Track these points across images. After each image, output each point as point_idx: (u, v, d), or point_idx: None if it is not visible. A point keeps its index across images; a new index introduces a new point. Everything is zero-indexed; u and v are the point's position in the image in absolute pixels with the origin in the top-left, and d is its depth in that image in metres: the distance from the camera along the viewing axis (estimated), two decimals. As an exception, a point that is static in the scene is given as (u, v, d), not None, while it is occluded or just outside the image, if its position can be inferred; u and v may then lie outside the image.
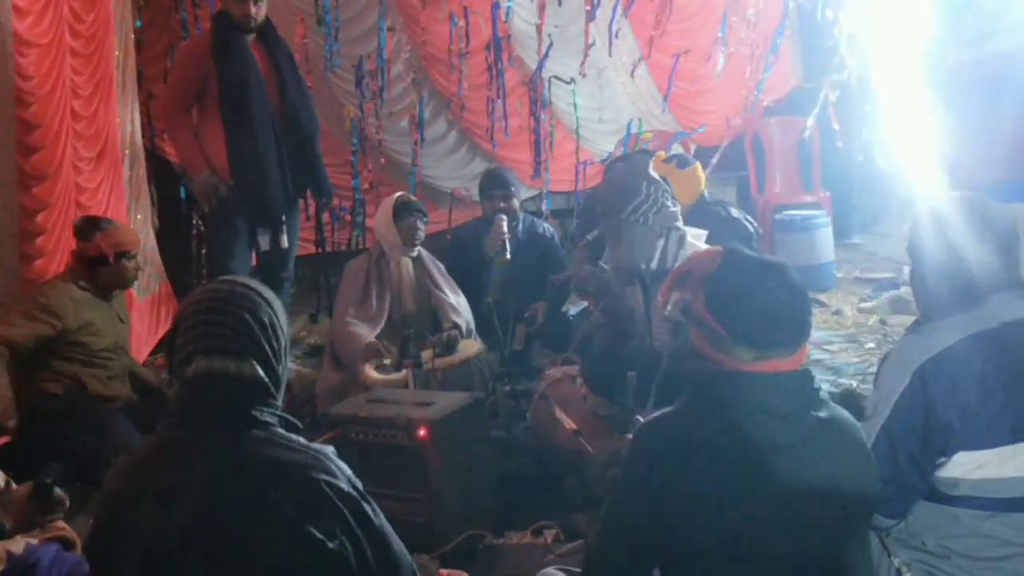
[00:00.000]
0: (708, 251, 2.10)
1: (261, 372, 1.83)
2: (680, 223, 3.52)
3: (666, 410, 1.96)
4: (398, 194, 4.73)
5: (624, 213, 3.43)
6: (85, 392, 3.95)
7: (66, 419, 3.82)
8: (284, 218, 4.78)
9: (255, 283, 1.93)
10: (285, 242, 4.82)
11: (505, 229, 4.79)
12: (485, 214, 5.23)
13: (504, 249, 4.72)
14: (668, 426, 1.92)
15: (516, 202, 5.21)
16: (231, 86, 4.53)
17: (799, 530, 1.83)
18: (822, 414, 1.89)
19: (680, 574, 1.89)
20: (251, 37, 4.64)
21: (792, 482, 1.82)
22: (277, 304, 1.92)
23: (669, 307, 2.12)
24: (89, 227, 4.03)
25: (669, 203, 3.48)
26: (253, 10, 4.57)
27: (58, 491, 2.63)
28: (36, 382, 3.90)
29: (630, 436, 2.81)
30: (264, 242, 4.77)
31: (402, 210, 4.57)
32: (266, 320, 1.86)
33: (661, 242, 3.45)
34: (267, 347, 1.84)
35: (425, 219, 4.65)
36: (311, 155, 4.90)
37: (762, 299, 1.86)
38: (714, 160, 7.67)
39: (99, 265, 4.01)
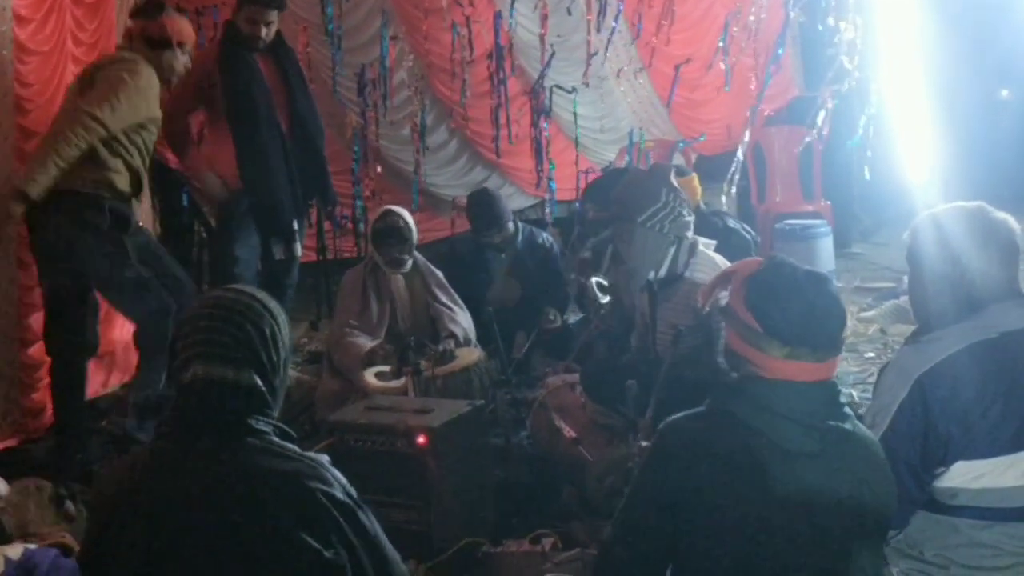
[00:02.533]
0: (754, 259, 2.12)
1: (259, 382, 1.82)
2: (691, 232, 3.52)
3: (690, 411, 1.97)
4: (381, 212, 4.66)
5: (640, 218, 3.42)
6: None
7: None
8: (296, 227, 4.77)
9: (260, 293, 1.92)
10: (299, 250, 4.82)
11: None
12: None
13: None
14: (689, 427, 1.94)
15: (509, 226, 5.22)
16: (237, 98, 4.52)
17: (811, 539, 1.83)
18: (845, 426, 1.89)
19: None
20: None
21: (808, 491, 1.82)
22: (281, 316, 1.91)
23: (707, 305, 2.14)
24: (153, 8, 3.97)
25: (685, 212, 3.47)
26: (263, 32, 4.54)
27: (69, 505, 2.65)
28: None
29: (643, 443, 2.82)
30: (278, 251, 4.76)
31: (377, 237, 4.53)
32: (267, 331, 1.85)
33: (672, 250, 3.44)
34: (266, 358, 1.83)
35: (405, 242, 4.51)
36: (319, 164, 4.90)
37: (799, 299, 1.89)
38: (735, 170, 7.64)
39: (161, 48, 3.93)
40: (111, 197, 3.82)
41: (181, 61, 4.07)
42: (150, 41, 3.94)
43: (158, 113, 3.97)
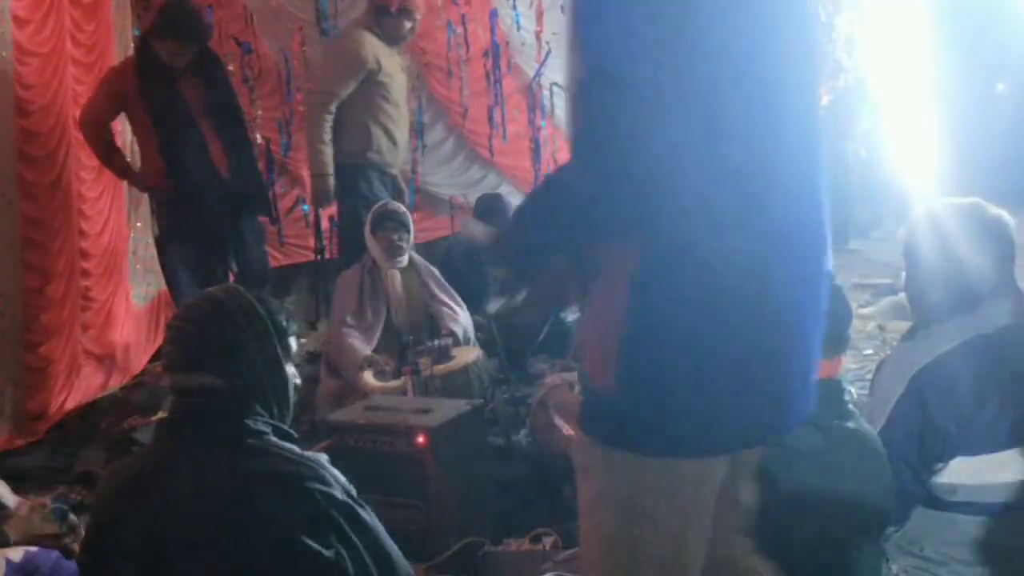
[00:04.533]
0: None
1: (234, 384, 1.80)
2: None
3: None
4: (381, 202, 4.69)
5: None
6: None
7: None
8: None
9: (239, 295, 1.88)
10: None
11: None
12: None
13: None
14: None
15: None
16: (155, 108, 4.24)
17: (813, 536, 1.84)
18: (849, 424, 1.89)
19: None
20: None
21: (810, 489, 1.82)
22: (247, 317, 1.85)
23: None
24: None
25: None
26: (183, 63, 4.21)
27: (72, 517, 2.66)
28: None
29: None
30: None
31: (378, 221, 4.47)
32: (222, 333, 1.82)
33: None
34: (236, 360, 1.81)
35: (405, 230, 4.46)
36: (251, 172, 4.69)
37: None
38: None
39: (382, 15, 4.62)
40: None
41: (406, 27, 4.72)
42: (377, 8, 4.63)
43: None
